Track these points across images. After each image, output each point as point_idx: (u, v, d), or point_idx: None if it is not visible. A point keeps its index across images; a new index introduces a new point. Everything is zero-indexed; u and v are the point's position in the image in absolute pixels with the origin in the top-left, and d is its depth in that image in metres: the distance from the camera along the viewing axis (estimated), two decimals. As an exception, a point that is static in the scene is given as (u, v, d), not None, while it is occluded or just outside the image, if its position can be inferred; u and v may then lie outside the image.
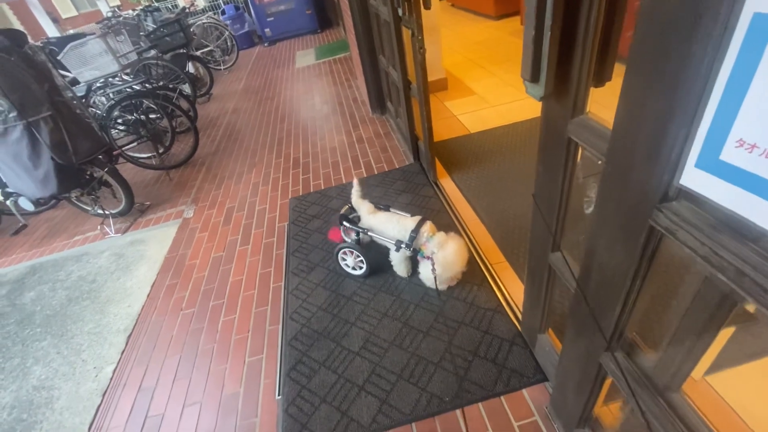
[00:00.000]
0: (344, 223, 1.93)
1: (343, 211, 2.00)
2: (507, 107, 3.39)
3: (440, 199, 2.47)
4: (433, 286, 1.78)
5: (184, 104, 4.09)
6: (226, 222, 2.81)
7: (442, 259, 1.65)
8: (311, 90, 5.02)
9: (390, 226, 1.80)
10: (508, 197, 2.35)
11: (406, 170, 2.83)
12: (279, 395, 1.61)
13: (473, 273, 1.88)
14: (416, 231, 1.72)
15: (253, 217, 2.78)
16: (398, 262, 1.90)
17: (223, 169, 3.60)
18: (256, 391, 1.66)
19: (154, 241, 2.83)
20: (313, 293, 2.02)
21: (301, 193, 2.89)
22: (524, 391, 1.42)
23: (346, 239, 1.98)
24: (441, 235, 1.72)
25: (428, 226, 1.75)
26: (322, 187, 2.89)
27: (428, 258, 1.70)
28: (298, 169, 3.24)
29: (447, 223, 2.26)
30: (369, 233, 1.86)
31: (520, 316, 1.66)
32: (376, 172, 2.90)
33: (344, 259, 2.03)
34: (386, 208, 1.94)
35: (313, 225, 2.51)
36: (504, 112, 3.31)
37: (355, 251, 1.94)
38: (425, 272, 1.78)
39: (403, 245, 1.75)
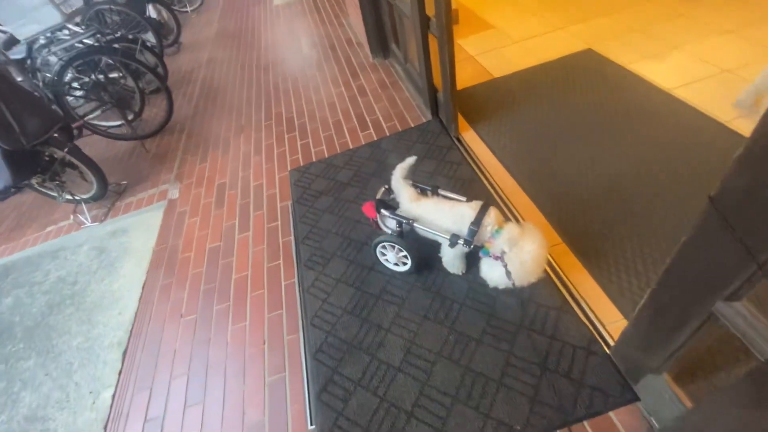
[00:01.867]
0: (382, 210, 1.55)
1: (379, 195, 1.62)
2: (533, 42, 2.86)
3: (469, 162, 2.09)
4: (502, 286, 1.40)
5: (150, 59, 3.47)
6: (218, 203, 2.42)
7: (519, 265, 1.26)
8: (296, 32, 4.33)
9: (441, 215, 1.42)
10: (555, 159, 1.98)
11: (423, 129, 2.40)
12: (311, 425, 1.37)
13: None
14: (477, 223, 1.32)
15: (250, 196, 2.39)
16: (452, 258, 1.55)
17: (206, 135, 3.12)
18: (283, 420, 1.42)
19: (139, 229, 2.46)
20: (334, 291, 1.72)
21: (301, 164, 2.48)
22: (612, 415, 1.17)
23: (385, 228, 1.61)
24: (512, 228, 1.29)
25: (493, 215, 1.33)
26: (326, 155, 2.47)
27: (496, 257, 1.33)
28: (293, 132, 2.78)
29: (484, 194, 1.90)
30: (414, 224, 1.47)
31: (592, 315, 1.38)
32: (387, 133, 2.47)
33: (383, 254, 1.68)
34: (434, 191, 1.55)
35: (322, 203, 2.14)
36: (531, 49, 2.80)
37: (397, 246, 1.58)
38: (491, 273, 1.39)
39: (460, 241, 1.36)
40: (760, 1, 2.58)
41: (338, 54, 3.54)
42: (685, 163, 1.77)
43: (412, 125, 2.46)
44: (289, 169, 2.47)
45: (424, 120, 2.47)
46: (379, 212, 1.56)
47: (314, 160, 2.46)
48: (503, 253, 1.29)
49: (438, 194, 1.55)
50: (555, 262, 1.55)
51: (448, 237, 1.38)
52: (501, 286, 1.40)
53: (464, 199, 1.47)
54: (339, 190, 2.19)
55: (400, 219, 1.48)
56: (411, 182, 1.57)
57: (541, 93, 2.39)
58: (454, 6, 3.28)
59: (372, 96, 2.85)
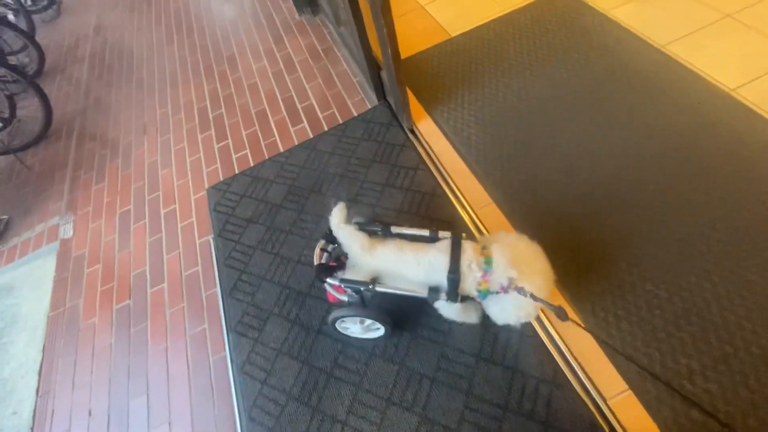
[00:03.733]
0: (327, 281, 1.12)
1: (318, 257, 1.18)
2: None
3: (428, 165, 1.67)
4: (531, 318, 1.05)
5: (14, 39, 2.64)
6: (123, 242, 1.92)
7: (539, 282, 0.95)
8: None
9: (406, 267, 1.04)
10: (534, 156, 1.57)
11: (369, 120, 1.91)
12: None
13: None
14: (455, 270, 0.97)
15: (161, 230, 1.90)
16: (456, 312, 1.16)
17: (102, 139, 2.47)
18: None
19: (28, 286, 1.95)
20: (275, 368, 1.36)
21: (221, 177, 1.96)
22: None
23: (341, 297, 1.20)
24: (502, 250, 0.97)
25: (470, 251, 0.99)
26: (251, 163, 1.96)
27: (505, 290, 0.97)
28: (208, 130, 2.21)
29: (450, 213, 1.52)
30: (375, 286, 1.07)
31: (590, 386, 1.11)
32: (325, 127, 1.96)
33: (346, 329, 1.30)
34: (385, 231, 1.14)
35: (252, 236, 1.70)
36: (488, -8, 2.23)
37: (359, 317, 1.20)
38: (510, 311, 1.01)
39: (442, 296, 1.01)
40: None
41: (257, 11, 2.80)
42: (695, 148, 1.43)
43: (355, 113, 1.96)
44: (206, 186, 1.96)
45: (369, 106, 1.97)
46: (323, 282, 1.15)
47: (237, 171, 1.95)
48: (511, 280, 0.94)
49: (392, 234, 1.15)
50: (544, 314, 1.24)
51: (425, 291, 1.02)
52: (529, 318, 1.04)
53: (427, 233, 1.11)
54: (271, 215, 1.73)
55: (355, 286, 1.09)
56: (355, 224, 1.15)
57: (510, 57, 1.91)
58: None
59: (302, 71, 2.26)
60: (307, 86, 2.17)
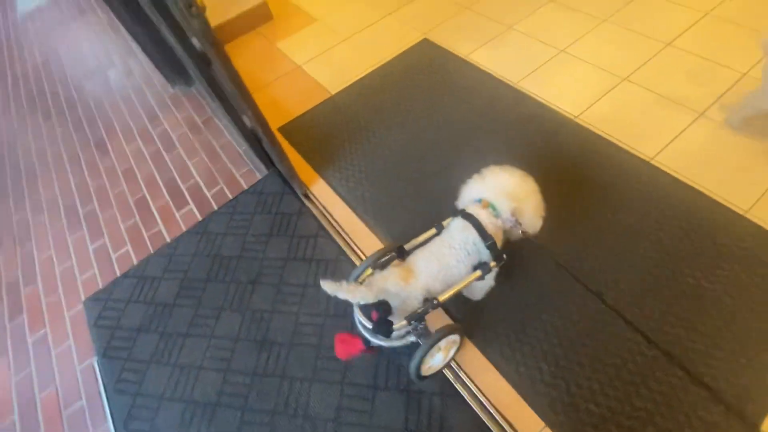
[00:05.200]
0: (394, 329, 0.99)
1: (362, 321, 1.06)
2: (365, 37, 2.41)
3: (327, 231, 1.63)
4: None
5: None
6: (-23, 390, 1.56)
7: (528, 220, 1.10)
8: (57, 53, 3.11)
9: (449, 262, 1.05)
10: (427, 196, 1.62)
11: (260, 191, 1.83)
12: None
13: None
14: (487, 235, 1.03)
15: (29, 363, 1.58)
16: (490, 283, 1.21)
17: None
18: None
19: None
20: (189, 507, 1.18)
21: (101, 285, 1.71)
22: None
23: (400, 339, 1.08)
24: (495, 194, 1.07)
25: (481, 211, 1.06)
26: (134, 261, 1.75)
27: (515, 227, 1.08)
28: (80, 230, 1.94)
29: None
30: (437, 300, 1.02)
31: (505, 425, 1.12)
32: (215, 207, 1.83)
33: (432, 367, 1.18)
34: (400, 253, 1.13)
35: (144, 348, 1.48)
36: (364, 47, 2.34)
37: (436, 343, 1.05)
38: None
39: (491, 266, 1.06)
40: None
41: (125, 86, 2.60)
42: (560, 172, 1.58)
43: (246, 186, 1.87)
44: (83, 298, 1.70)
45: (259, 176, 1.89)
46: (391, 334, 0.99)
47: (118, 274, 1.72)
48: (513, 211, 1.06)
49: (407, 251, 1.13)
50: (459, 363, 1.24)
51: (475, 271, 1.05)
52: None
53: (434, 230, 1.16)
54: (164, 319, 1.54)
55: (424, 312, 1.00)
56: (369, 267, 1.10)
57: (389, 107, 1.99)
58: None
59: (183, 147, 2.12)
60: (189, 163, 2.03)
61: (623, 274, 1.32)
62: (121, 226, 1.88)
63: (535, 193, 1.11)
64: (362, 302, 0.97)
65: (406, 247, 1.14)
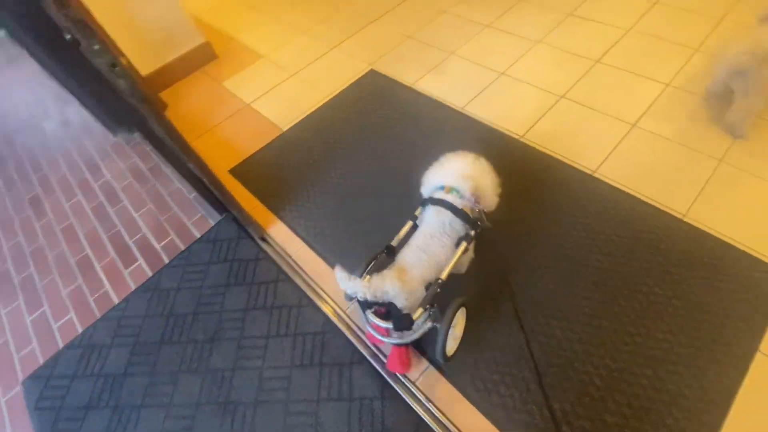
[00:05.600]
0: (414, 320, 1.04)
1: (375, 323, 1.10)
2: (313, 71, 2.41)
3: (288, 275, 1.57)
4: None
5: None
6: None
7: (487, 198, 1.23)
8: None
9: (436, 249, 1.14)
10: (389, 227, 1.60)
11: (214, 239, 1.75)
12: None
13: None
14: (462, 214, 1.15)
15: (-42, 463, 1.40)
16: (470, 257, 1.36)
17: None
18: None
19: None
20: None
21: (41, 360, 1.55)
22: None
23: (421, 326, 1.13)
24: (454, 177, 1.20)
25: (447, 195, 1.18)
26: (79, 330, 1.60)
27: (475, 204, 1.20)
28: (15, 300, 1.77)
29: (322, 321, 1.43)
30: (440, 281, 1.09)
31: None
32: (166, 260, 1.73)
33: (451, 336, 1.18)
34: (389, 251, 1.20)
35: (94, 427, 1.35)
36: (313, 80, 2.35)
37: (450, 321, 1.12)
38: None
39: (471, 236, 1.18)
40: None
41: (60, 137, 2.45)
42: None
43: (198, 235, 1.78)
44: (21, 378, 1.53)
45: (212, 222, 1.82)
46: (411, 325, 1.03)
47: (61, 345, 1.58)
48: (472, 189, 1.17)
49: (394, 248, 1.20)
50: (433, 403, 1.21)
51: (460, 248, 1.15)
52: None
53: (410, 223, 1.24)
54: (115, 391, 1.41)
55: (433, 293, 1.07)
56: (364, 273, 1.14)
57: (342, 140, 1.98)
58: (203, 37, 2.58)
59: (128, 199, 2.01)
60: (136, 216, 1.92)
61: (573, 290, 1.35)
62: (62, 292, 1.74)
63: (489, 172, 1.23)
64: (371, 298, 1.00)
65: (394, 244, 1.21)
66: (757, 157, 1.57)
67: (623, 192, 1.56)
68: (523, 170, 1.70)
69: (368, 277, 1.10)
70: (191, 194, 1.94)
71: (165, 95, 2.46)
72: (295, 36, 2.68)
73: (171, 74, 2.49)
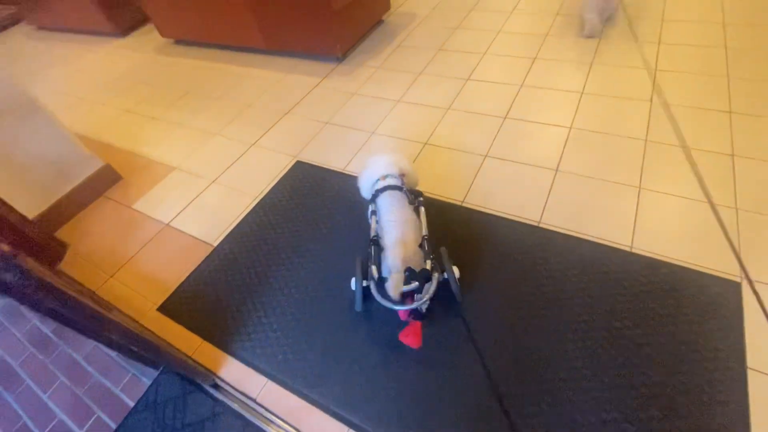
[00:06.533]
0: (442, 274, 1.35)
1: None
2: (234, 173, 2.28)
3: (255, 422, 1.32)
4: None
5: None
6: None
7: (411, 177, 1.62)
8: None
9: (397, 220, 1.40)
10: (355, 341, 1.45)
11: (155, 401, 1.43)
12: None
13: None
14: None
15: None
16: None
17: None
18: None
19: None
20: None
21: None
22: None
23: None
24: (389, 166, 1.56)
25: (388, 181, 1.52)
26: None
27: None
28: None
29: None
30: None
31: None
32: (93, 450, 1.37)
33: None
34: (374, 242, 1.44)
35: None
36: (236, 184, 2.21)
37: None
38: None
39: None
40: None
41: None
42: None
43: (132, 403, 1.45)
44: None
45: (148, 381, 1.51)
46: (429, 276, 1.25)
47: None
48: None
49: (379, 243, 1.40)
50: None
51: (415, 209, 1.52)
52: None
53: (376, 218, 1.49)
54: None
55: (429, 249, 1.37)
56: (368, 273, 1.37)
57: (280, 243, 1.83)
58: (101, 160, 2.33)
59: (31, 377, 1.61)
60: (45, 397, 1.53)
61: (544, 341, 1.31)
62: None
63: (403, 158, 1.57)
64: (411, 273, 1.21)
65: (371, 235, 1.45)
66: (664, 178, 1.75)
67: (571, 236, 1.61)
68: (472, 235, 1.69)
69: (395, 275, 1.23)
70: (113, 352, 1.61)
71: (63, 233, 2.13)
72: (206, 140, 2.55)
73: (67, 209, 2.18)
